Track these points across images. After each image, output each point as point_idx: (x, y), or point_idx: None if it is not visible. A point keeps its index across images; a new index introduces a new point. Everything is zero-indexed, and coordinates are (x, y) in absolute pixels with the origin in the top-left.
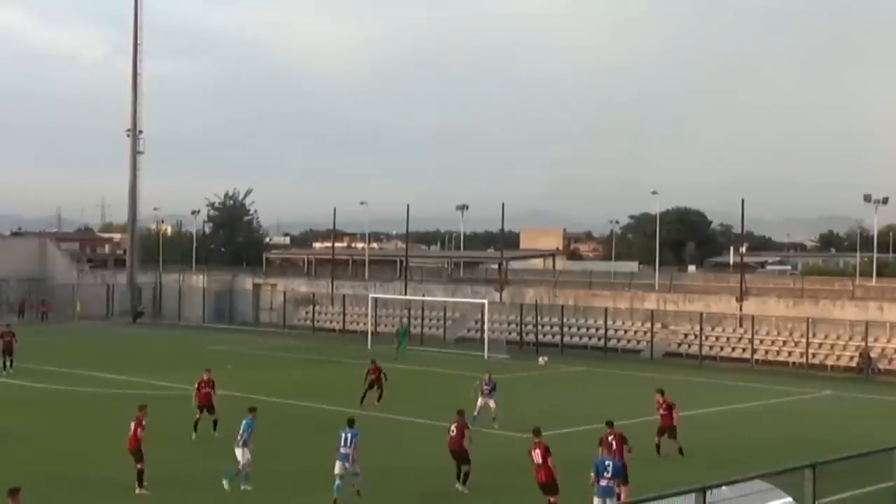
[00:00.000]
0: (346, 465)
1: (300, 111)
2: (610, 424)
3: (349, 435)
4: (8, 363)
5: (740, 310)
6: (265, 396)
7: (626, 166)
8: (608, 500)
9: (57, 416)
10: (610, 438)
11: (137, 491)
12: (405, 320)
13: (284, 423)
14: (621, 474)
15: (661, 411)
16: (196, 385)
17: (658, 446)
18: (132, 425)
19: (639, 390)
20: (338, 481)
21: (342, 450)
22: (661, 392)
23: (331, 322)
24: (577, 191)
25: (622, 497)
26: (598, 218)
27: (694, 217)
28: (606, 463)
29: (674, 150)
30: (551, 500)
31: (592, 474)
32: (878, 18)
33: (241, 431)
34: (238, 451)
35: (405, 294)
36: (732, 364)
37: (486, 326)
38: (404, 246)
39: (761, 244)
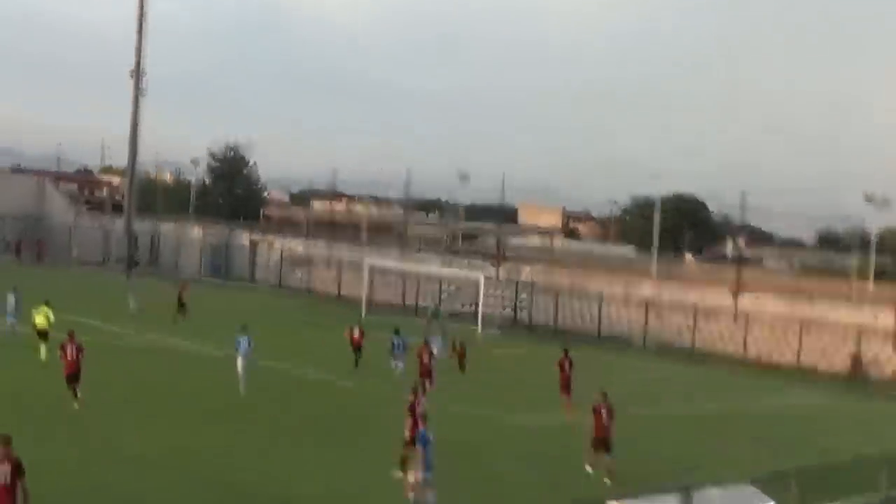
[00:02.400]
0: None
1: (308, 64)
2: (604, 396)
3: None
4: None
5: (735, 306)
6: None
7: (629, 145)
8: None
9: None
10: (602, 410)
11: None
12: (435, 301)
13: (272, 388)
14: (608, 446)
15: (603, 419)
16: None
17: (591, 463)
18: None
19: (624, 377)
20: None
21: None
22: (604, 395)
23: (327, 286)
24: (578, 167)
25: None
26: (599, 197)
27: (693, 204)
28: None
29: (677, 132)
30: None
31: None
32: None
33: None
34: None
35: (402, 262)
36: (724, 360)
37: (480, 300)
38: (403, 213)
39: (760, 237)
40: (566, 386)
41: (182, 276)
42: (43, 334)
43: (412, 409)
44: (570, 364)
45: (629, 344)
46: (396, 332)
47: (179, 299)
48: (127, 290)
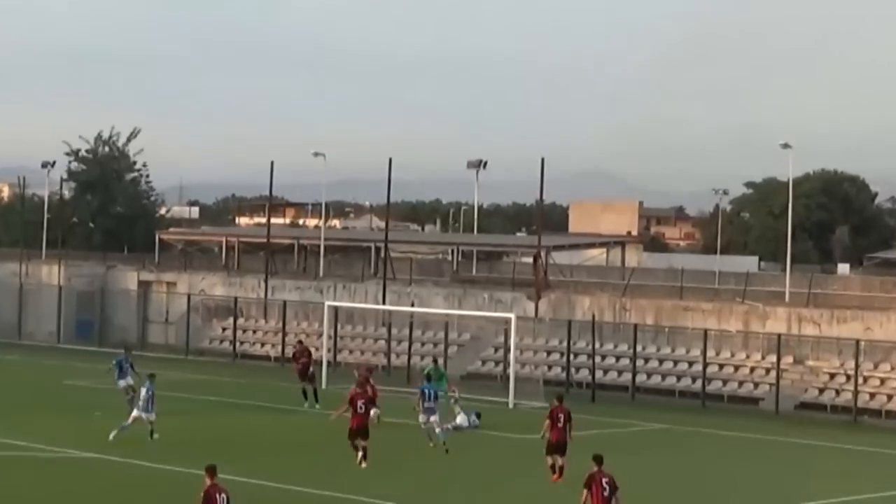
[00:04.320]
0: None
1: (223, 19)
2: (560, 399)
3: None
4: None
5: None
6: (150, 462)
7: (734, 107)
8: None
9: None
10: (560, 415)
11: None
12: (432, 355)
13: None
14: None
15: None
16: None
17: None
18: None
19: (757, 468)
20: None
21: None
22: (599, 460)
23: (263, 345)
24: (656, 144)
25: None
26: (693, 186)
27: (848, 187)
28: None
29: (802, 87)
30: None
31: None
32: None
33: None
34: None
35: (383, 302)
36: None
37: (512, 355)
38: (383, 225)
39: None
40: (559, 446)
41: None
42: None
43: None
44: (567, 418)
45: (752, 407)
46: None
47: None
48: None
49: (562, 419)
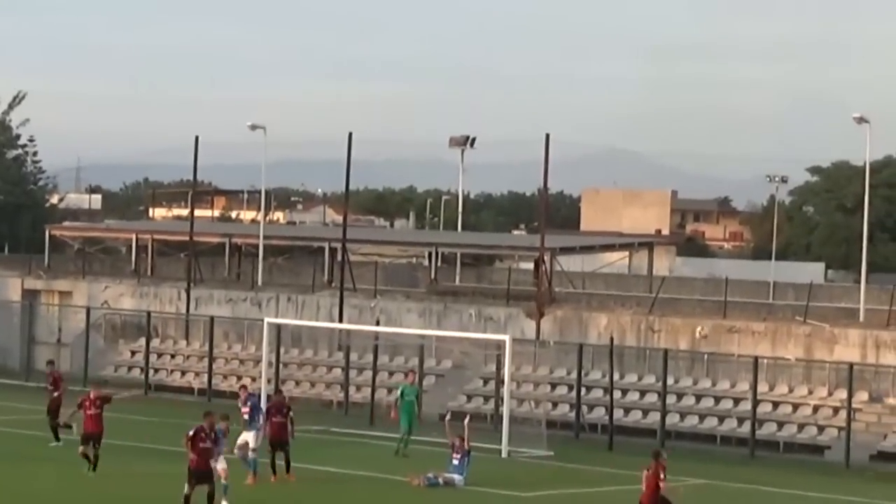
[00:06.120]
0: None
1: None
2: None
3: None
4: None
5: None
6: None
7: (798, 70)
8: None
9: None
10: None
11: None
12: (408, 371)
13: None
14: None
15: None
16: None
17: None
18: None
19: None
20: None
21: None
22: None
23: (184, 373)
24: (695, 116)
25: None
26: (742, 172)
27: None
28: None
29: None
30: None
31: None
32: None
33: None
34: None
35: (339, 319)
36: None
37: (506, 388)
38: (340, 219)
39: None
40: None
41: None
42: None
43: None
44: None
45: (816, 457)
46: None
47: None
48: None
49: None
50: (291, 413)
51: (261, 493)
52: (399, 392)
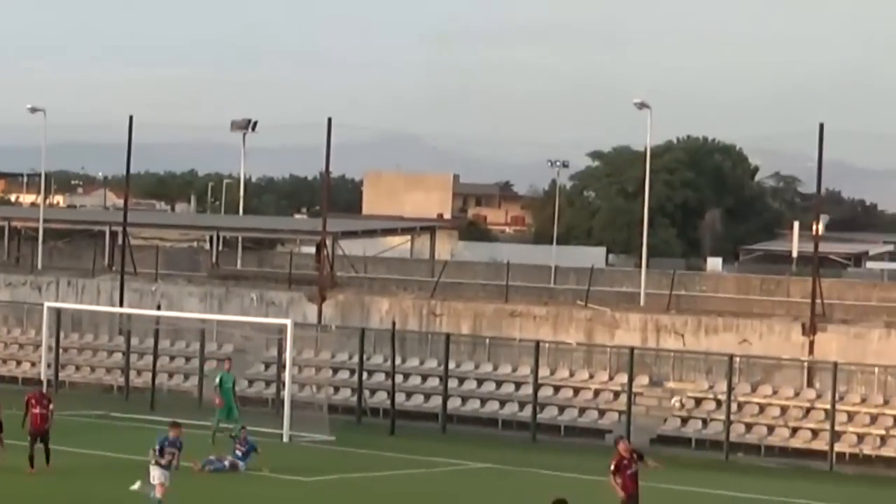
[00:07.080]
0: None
1: None
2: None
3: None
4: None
5: (810, 352)
6: None
7: (579, 53)
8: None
9: None
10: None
11: None
12: (226, 358)
13: None
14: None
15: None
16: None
17: None
18: None
19: None
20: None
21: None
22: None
23: None
24: (476, 99)
25: None
26: (523, 156)
27: (720, 159)
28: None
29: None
30: None
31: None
32: None
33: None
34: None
35: (120, 303)
36: (796, 461)
37: (287, 373)
38: (120, 203)
39: (854, 217)
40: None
41: None
42: None
43: None
44: (638, 458)
45: (597, 441)
46: None
47: None
48: None
49: (633, 467)
50: (52, 405)
51: (29, 486)
52: (218, 380)
